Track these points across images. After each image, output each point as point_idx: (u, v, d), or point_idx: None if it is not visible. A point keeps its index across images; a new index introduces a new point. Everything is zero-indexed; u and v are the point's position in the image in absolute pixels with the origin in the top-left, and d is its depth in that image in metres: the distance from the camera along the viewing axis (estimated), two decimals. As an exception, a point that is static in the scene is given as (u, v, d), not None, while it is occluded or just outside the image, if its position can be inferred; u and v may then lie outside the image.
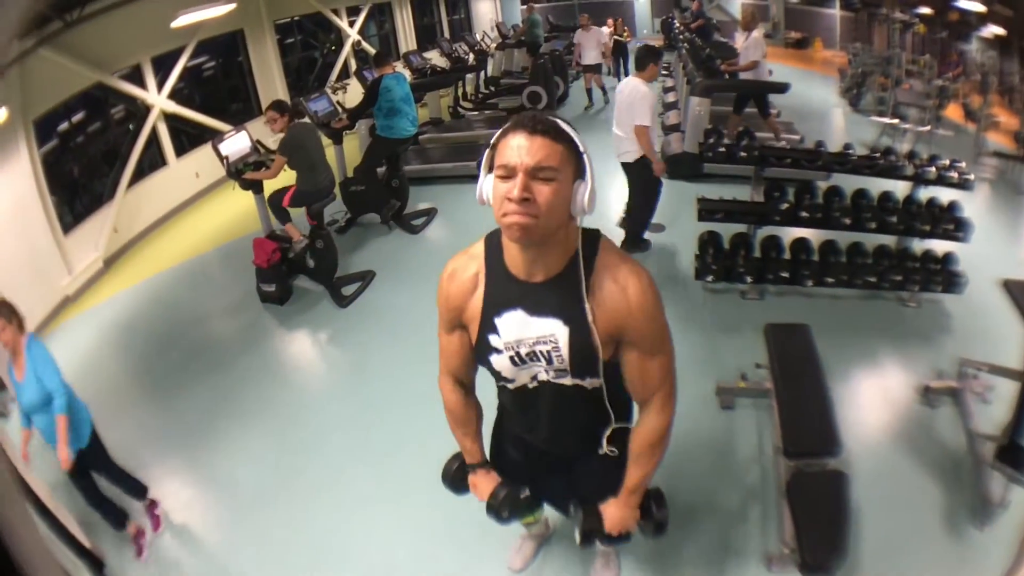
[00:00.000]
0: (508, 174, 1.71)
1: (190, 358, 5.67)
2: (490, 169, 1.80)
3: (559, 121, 1.76)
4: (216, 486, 4.36)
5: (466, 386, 2.34)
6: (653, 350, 1.98)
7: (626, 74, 14.23)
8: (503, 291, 1.95)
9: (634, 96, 6.09)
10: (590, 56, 13.19)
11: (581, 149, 1.78)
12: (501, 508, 2.30)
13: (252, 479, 4.33)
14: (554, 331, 1.91)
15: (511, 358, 2.00)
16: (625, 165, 6.66)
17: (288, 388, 5.26)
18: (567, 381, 2.02)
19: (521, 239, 1.76)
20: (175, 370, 5.53)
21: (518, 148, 1.69)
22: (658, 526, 2.24)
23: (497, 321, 1.96)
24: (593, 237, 1.94)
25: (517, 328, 1.94)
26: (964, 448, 4.40)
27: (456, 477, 2.44)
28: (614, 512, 2.19)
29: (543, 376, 2.04)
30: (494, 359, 2.03)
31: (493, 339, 1.98)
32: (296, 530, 3.92)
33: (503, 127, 1.78)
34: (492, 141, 1.79)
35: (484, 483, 2.36)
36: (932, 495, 4.03)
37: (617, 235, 6.89)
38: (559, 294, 1.89)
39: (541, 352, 1.96)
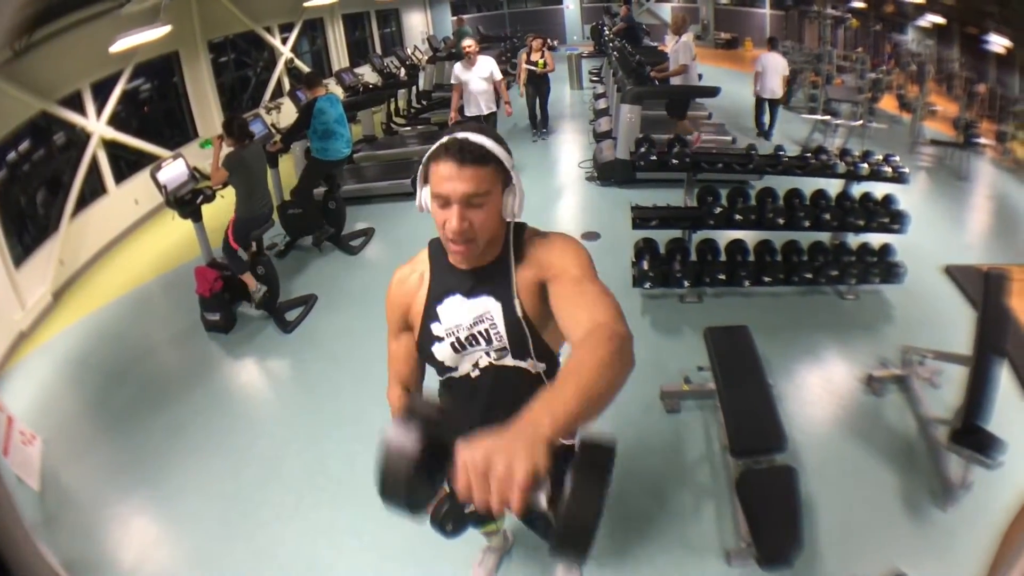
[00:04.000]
0: (444, 204, 1.81)
1: (142, 393, 5.54)
2: (425, 180, 1.88)
3: (484, 140, 1.81)
4: (179, 522, 4.27)
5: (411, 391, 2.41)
6: (583, 278, 1.84)
7: (545, 123, 11.94)
8: (444, 280, 2.05)
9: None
10: (477, 101, 9.09)
11: (508, 165, 1.86)
12: (445, 521, 2.22)
13: (213, 512, 4.25)
14: (488, 308, 2.00)
15: (452, 344, 2.07)
16: None
17: (240, 418, 5.19)
18: (508, 362, 2.08)
19: (463, 262, 1.96)
20: (128, 406, 5.40)
21: (450, 179, 1.77)
22: (582, 502, 1.15)
23: (439, 309, 2.05)
24: (520, 227, 2.06)
25: (456, 312, 2.03)
26: (916, 433, 4.52)
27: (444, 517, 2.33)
28: (503, 440, 1.18)
29: (484, 361, 2.10)
30: (437, 349, 2.09)
31: (435, 327, 2.07)
32: (261, 561, 3.86)
33: (434, 146, 1.83)
34: (424, 159, 1.85)
35: None
36: (889, 481, 4.13)
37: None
38: (491, 275, 2.00)
39: (480, 333, 2.04)
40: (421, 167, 1.89)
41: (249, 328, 6.32)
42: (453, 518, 2.22)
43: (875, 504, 3.98)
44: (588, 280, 1.85)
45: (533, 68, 11.19)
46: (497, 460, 1.12)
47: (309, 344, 6.02)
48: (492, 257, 2.00)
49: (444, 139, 1.82)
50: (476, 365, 2.12)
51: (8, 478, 4.18)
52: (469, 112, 9.11)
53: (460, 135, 1.81)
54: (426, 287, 2.09)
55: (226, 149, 5.99)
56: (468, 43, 9.04)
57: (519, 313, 1.98)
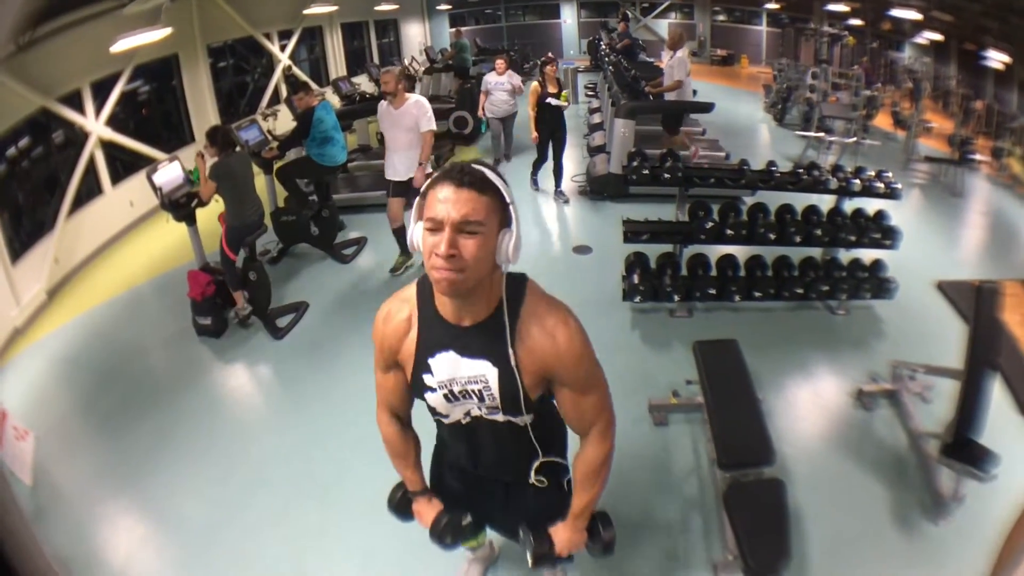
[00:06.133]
0: (436, 227, 1.74)
1: (132, 395, 5.53)
2: (420, 216, 1.84)
3: (487, 171, 1.80)
4: (166, 525, 4.24)
5: (402, 420, 2.40)
6: (585, 389, 2.05)
7: (560, 177, 9.49)
8: (435, 334, 1.99)
9: None
10: (397, 166, 6.87)
11: (508, 200, 1.83)
12: (444, 534, 2.34)
13: (201, 516, 4.22)
14: (484, 371, 1.96)
15: (445, 396, 2.05)
16: None
17: (230, 423, 5.18)
18: (499, 418, 2.09)
19: (448, 292, 1.80)
20: (118, 407, 5.39)
21: (445, 201, 1.72)
22: (606, 546, 2.29)
23: (430, 362, 2.00)
24: (518, 282, 1.99)
25: (449, 368, 1.99)
26: (906, 447, 4.52)
27: (400, 504, 2.48)
28: (563, 535, 2.27)
29: (476, 412, 2.10)
30: (429, 396, 2.08)
31: (427, 378, 2.03)
32: (247, 565, 3.84)
33: (434, 176, 1.81)
34: (422, 190, 1.82)
35: (427, 510, 2.41)
36: (879, 495, 4.13)
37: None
38: (487, 337, 1.93)
39: (473, 391, 2.02)
40: (417, 201, 1.87)
41: (240, 333, 6.31)
42: (451, 532, 2.36)
43: (866, 518, 3.97)
44: (594, 391, 2.09)
45: (555, 102, 8.81)
46: (565, 551, 2.29)
47: (299, 351, 6.01)
48: (486, 314, 1.93)
49: (445, 167, 1.82)
50: (468, 414, 2.13)
51: (4, 473, 4.19)
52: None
53: (462, 163, 1.81)
54: (415, 333, 2.04)
55: (211, 160, 6.00)
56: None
57: (516, 383, 1.97)
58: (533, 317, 1.94)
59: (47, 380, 6.00)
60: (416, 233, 1.87)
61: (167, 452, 4.83)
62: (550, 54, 10.13)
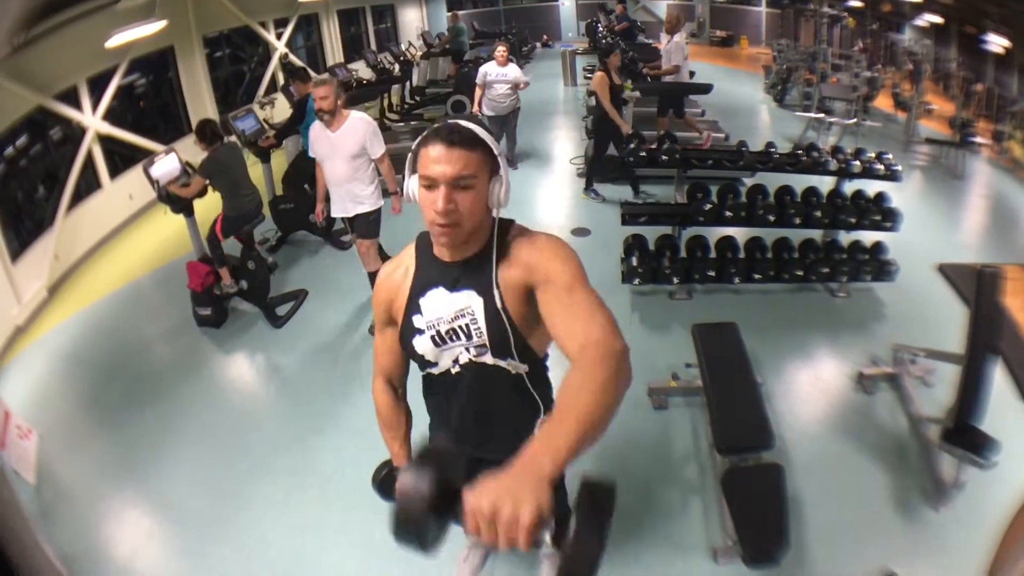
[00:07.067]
0: (431, 185, 1.82)
1: (134, 387, 5.54)
2: (414, 170, 1.90)
3: (474, 127, 1.87)
4: (171, 515, 4.26)
5: (396, 389, 2.43)
6: (573, 286, 1.81)
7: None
8: (427, 273, 2.06)
9: None
10: (346, 202, 5.48)
11: (495, 151, 1.91)
12: (384, 485, 2.35)
13: (204, 506, 4.24)
14: (470, 303, 1.99)
15: (432, 338, 2.06)
16: None
17: (231, 412, 5.18)
18: (488, 360, 2.07)
19: (448, 244, 1.93)
20: (121, 399, 5.41)
21: (437, 160, 1.80)
22: (588, 534, 1.18)
23: (421, 301, 2.05)
24: (507, 222, 2.06)
25: (437, 305, 2.03)
26: (907, 432, 4.50)
27: (385, 482, 2.43)
28: (505, 480, 1.23)
29: (464, 357, 2.09)
30: (417, 342, 2.09)
31: (416, 320, 2.07)
32: (251, 555, 3.84)
33: (424, 133, 1.88)
34: (414, 147, 1.89)
35: None
36: (880, 480, 4.12)
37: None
38: (474, 269, 1.99)
39: (461, 328, 2.03)
40: (410, 155, 1.92)
41: (240, 323, 6.31)
42: (391, 484, 2.28)
43: (865, 503, 3.96)
44: (579, 288, 1.81)
45: (625, 95, 8.33)
46: (503, 505, 1.16)
47: (299, 339, 5.99)
48: (476, 250, 2.00)
49: (435, 125, 1.88)
50: (456, 361, 2.11)
51: (7, 472, 4.19)
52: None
53: (451, 121, 1.87)
54: (410, 280, 2.10)
55: (201, 155, 5.99)
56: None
57: (500, 310, 1.97)
58: (517, 239, 2.01)
59: (50, 377, 6.00)
60: (412, 185, 1.92)
61: (169, 444, 4.84)
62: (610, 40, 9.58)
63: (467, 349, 2.07)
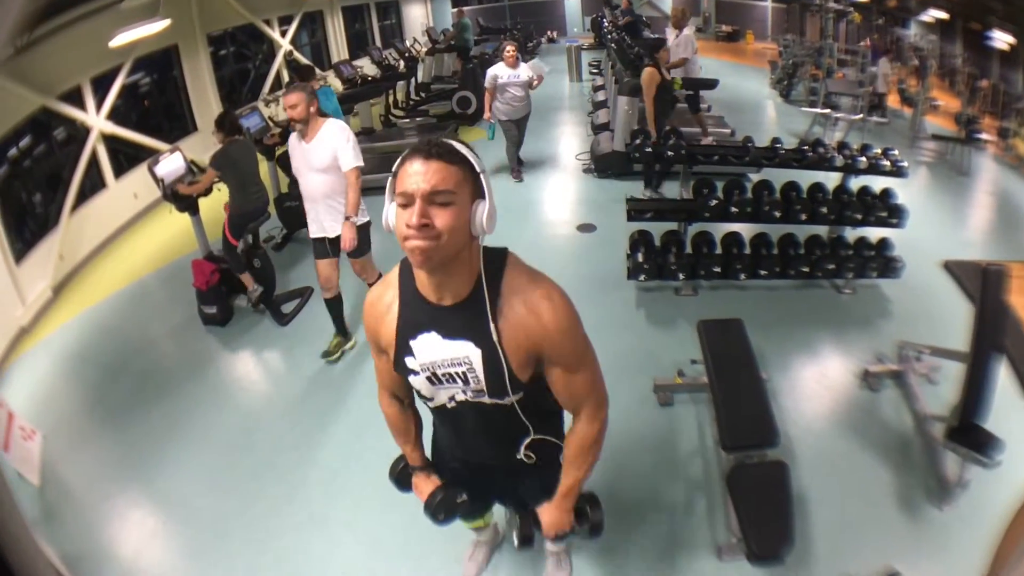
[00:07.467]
0: (407, 201, 1.72)
1: (139, 386, 5.55)
2: (392, 197, 1.81)
3: (455, 144, 1.80)
4: (177, 514, 4.26)
5: (402, 399, 2.40)
6: (576, 366, 2.02)
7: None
8: (416, 314, 1.97)
9: None
10: (324, 221, 5.13)
11: (478, 170, 1.82)
12: (437, 510, 2.36)
13: (210, 505, 4.24)
14: (467, 353, 1.92)
15: (428, 378, 2.02)
16: None
17: (237, 411, 5.18)
18: (486, 401, 2.04)
19: (423, 264, 1.77)
20: (126, 399, 5.42)
21: (414, 174, 1.71)
22: (593, 528, 2.30)
23: (412, 343, 1.98)
24: (498, 257, 1.95)
25: (431, 350, 1.96)
26: (912, 430, 4.49)
27: (401, 476, 2.51)
28: (549, 515, 2.26)
29: (461, 396, 2.06)
30: (412, 380, 2.06)
31: (409, 361, 2.01)
32: (257, 552, 3.84)
33: (402, 155, 1.80)
34: (393, 169, 1.81)
35: (424, 485, 2.42)
36: (884, 478, 4.11)
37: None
38: (469, 317, 1.89)
39: (457, 374, 1.98)
40: (388, 181, 1.83)
41: (245, 321, 6.31)
42: (445, 509, 2.36)
43: (870, 501, 3.95)
44: (583, 368, 2.05)
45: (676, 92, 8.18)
46: (558, 525, 2.26)
47: (305, 337, 5.99)
48: (467, 291, 1.89)
49: (415, 143, 1.82)
50: (452, 399, 2.10)
51: (8, 474, 4.19)
52: None
53: (430, 137, 1.82)
54: (395, 315, 2.02)
55: (216, 146, 5.99)
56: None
57: (500, 361, 1.92)
58: (515, 293, 1.90)
59: (54, 377, 6.00)
60: (389, 213, 1.84)
61: (175, 442, 4.84)
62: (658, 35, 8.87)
63: (463, 392, 2.05)
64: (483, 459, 2.41)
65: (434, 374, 2.01)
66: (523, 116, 8.96)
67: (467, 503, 2.43)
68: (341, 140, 4.76)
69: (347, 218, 4.92)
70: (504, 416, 2.10)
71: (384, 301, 2.05)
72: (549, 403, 2.17)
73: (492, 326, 1.88)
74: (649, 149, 6.09)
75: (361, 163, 4.86)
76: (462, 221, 1.77)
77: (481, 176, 1.83)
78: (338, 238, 5.05)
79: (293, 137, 4.94)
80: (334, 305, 5.58)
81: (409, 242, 1.73)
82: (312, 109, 4.75)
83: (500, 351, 1.90)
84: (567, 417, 2.29)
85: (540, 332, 1.89)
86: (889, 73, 12.14)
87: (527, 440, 2.24)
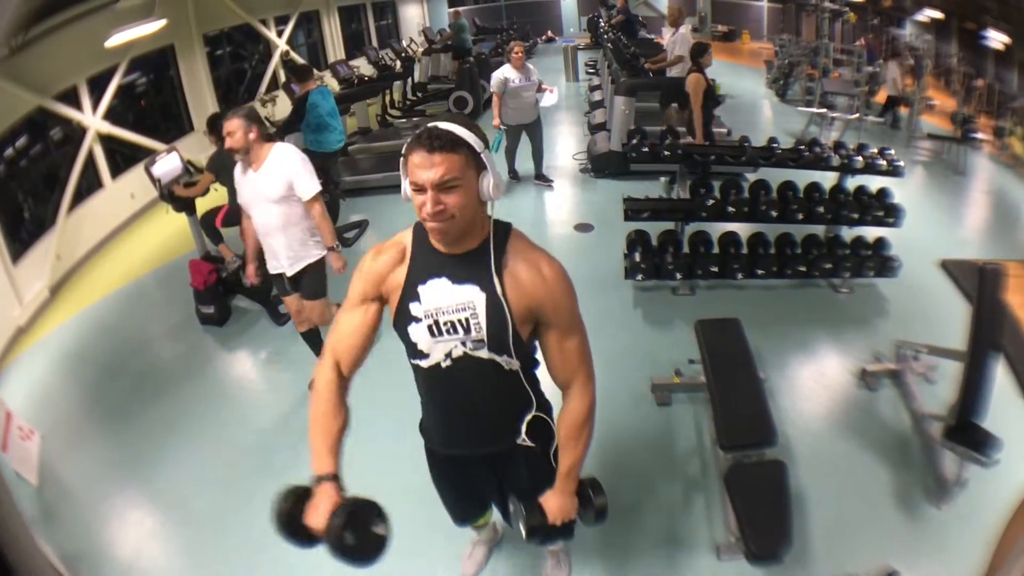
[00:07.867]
0: (418, 189, 1.88)
1: (137, 386, 5.54)
2: (406, 173, 1.94)
3: (455, 128, 1.89)
4: (175, 513, 4.26)
5: (343, 377, 2.19)
6: (570, 329, 2.15)
7: None
8: (428, 261, 2.08)
9: None
10: (279, 253, 4.56)
11: (478, 149, 1.93)
12: (333, 537, 2.04)
13: (208, 504, 4.24)
14: (472, 297, 2.03)
15: (429, 327, 2.08)
16: None
17: (234, 410, 5.18)
18: (483, 354, 2.11)
19: (443, 241, 2.00)
20: (124, 399, 5.41)
21: (421, 166, 1.85)
22: (598, 512, 2.26)
23: (420, 288, 2.06)
24: (504, 226, 2.12)
25: (439, 296, 2.05)
26: (910, 429, 4.49)
27: (291, 516, 2.19)
28: (553, 501, 2.24)
29: (458, 351, 2.11)
30: (412, 329, 2.10)
31: (414, 307, 2.08)
32: (255, 551, 3.80)
33: (408, 142, 1.91)
34: (403, 151, 1.92)
35: (323, 503, 2.08)
36: (882, 477, 4.11)
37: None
38: (476, 264, 2.03)
39: (460, 321, 2.06)
40: (401, 159, 1.94)
41: (243, 321, 6.31)
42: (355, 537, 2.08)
43: (868, 500, 3.95)
44: (575, 333, 2.16)
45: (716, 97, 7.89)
46: (561, 515, 2.23)
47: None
48: (475, 244, 2.04)
49: (418, 130, 1.91)
50: (448, 355, 2.12)
51: (7, 473, 4.18)
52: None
53: (431, 124, 1.91)
54: (407, 264, 2.11)
55: (210, 150, 5.99)
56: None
57: (502, 305, 2.02)
58: (518, 253, 2.08)
59: (51, 377, 5.99)
60: (405, 186, 1.96)
61: (173, 442, 4.83)
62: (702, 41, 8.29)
63: (463, 343, 2.10)
64: (479, 446, 2.41)
65: (436, 322, 2.07)
66: (532, 121, 8.52)
67: (382, 539, 2.11)
68: (295, 167, 4.28)
69: (331, 249, 4.59)
70: (502, 382, 2.19)
71: (394, 249, 2.14)
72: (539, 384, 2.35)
73: (496, 276, 2.03)
74: (646, 149, 6.08)
75: (319, 186, 4.38)
76: (471, 196, 1.93)
77: (482, 155, 1.95)
78: (296, 276, 4.63)
79: (237, 169, 4.44)
80: (311, 338, 5.09)
81: (428, 223, 1.93)
82: (252, 136, 4.18)
83: (503, 299, 2.02)
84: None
85: (540, 287, 2.05)
86: (899, 77, 12.12)
87: (529, 416, 2.29)
